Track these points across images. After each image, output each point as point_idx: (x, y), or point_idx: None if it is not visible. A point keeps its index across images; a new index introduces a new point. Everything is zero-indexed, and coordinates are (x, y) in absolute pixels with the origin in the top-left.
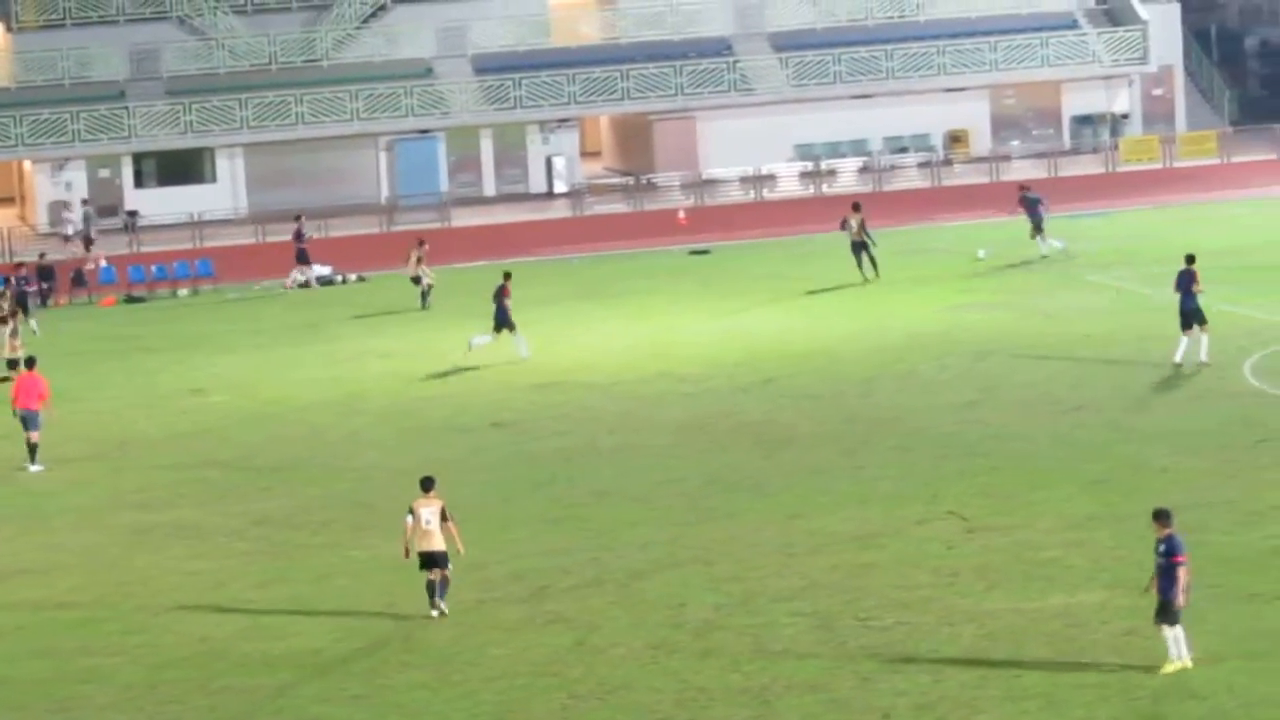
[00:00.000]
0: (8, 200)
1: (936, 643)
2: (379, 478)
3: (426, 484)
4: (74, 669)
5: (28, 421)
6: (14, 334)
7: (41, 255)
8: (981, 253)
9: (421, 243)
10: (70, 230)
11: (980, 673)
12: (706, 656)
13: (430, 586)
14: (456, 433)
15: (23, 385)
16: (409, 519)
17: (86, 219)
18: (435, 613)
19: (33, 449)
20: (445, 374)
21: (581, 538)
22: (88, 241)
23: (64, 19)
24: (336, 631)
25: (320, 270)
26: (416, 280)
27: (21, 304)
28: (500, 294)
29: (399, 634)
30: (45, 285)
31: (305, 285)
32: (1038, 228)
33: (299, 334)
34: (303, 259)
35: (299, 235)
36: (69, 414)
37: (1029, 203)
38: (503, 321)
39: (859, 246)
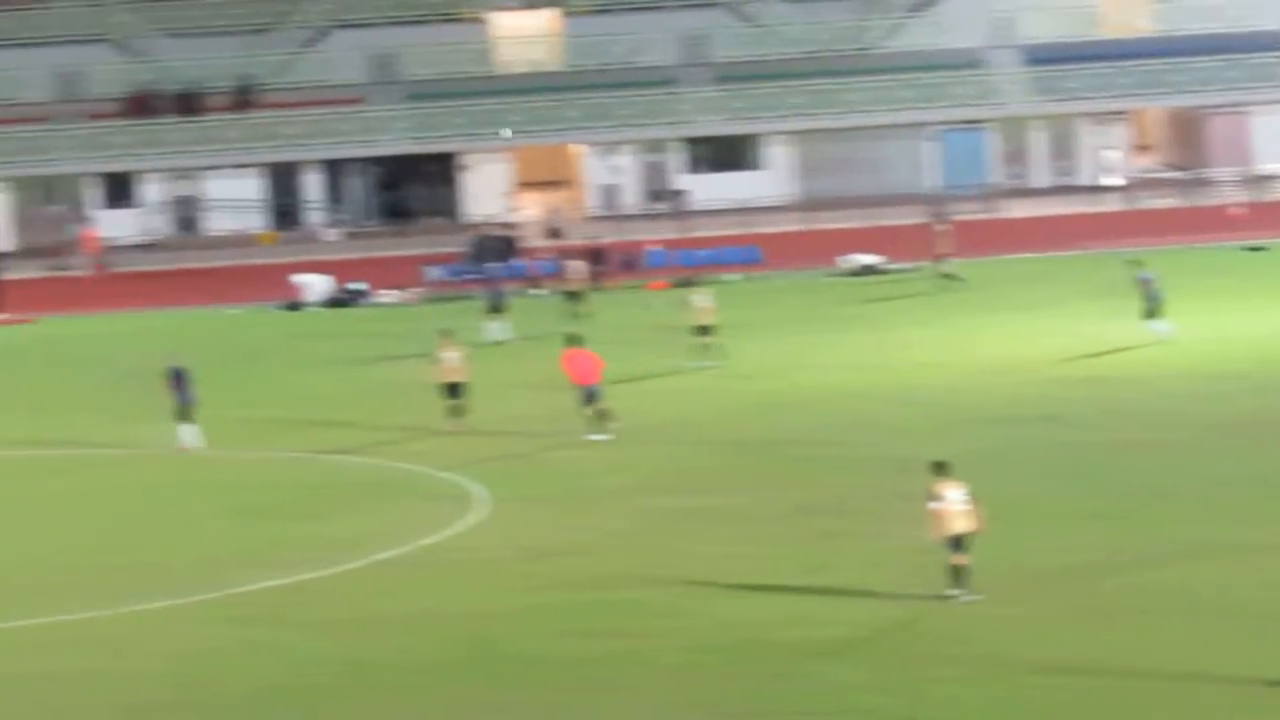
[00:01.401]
0: (558, 183)
1: None
2: (921, 469)
3: (942, 468)
4: (612, 650)
5: (592, 395)
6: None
7: (592, 238)
8: None
9: (943, 228)
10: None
11: None
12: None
13: (954, 571)
14: (1001, 424)
15: (580, 361)
16: (934, 504)
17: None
18: (958, 594)
19: (600, 415)
20: (988, 365)
21: (1128, 534)
22: None
23: (616, 4)
24: (876, 621)
25: (868, 259)
26: (940, 262)
27: (497, 303)
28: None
29: (937, 625)
30: (597, 268)
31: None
32: None
33: (844, 321)
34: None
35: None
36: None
37: None
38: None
39: None
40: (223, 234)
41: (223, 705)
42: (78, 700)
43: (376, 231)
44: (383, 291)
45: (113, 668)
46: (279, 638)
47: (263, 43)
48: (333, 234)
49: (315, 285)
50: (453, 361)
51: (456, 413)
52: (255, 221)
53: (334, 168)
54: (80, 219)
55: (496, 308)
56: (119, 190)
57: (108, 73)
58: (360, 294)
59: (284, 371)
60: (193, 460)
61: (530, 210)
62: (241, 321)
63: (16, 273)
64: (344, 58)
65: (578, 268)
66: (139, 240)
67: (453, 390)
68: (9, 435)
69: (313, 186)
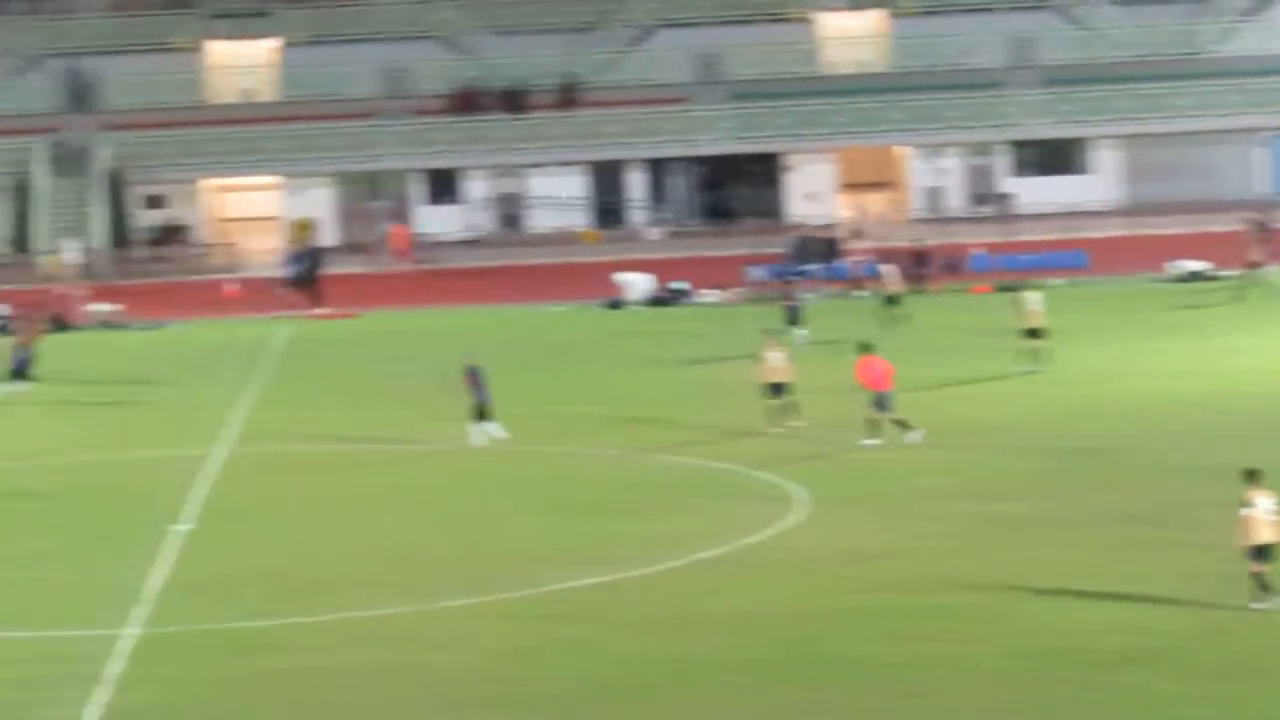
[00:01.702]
0: (880, 185)
1: None
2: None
3: (1254, 476)
4: (930, 654)
5: (882, 402)
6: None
7: (915, 241)
8: None
9: (1261, 235)
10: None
11: None
12: None
13: (1256, 579)
14: None
15: (873, 367)
16: (1246, 511)
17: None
18: (1262, 605)
19: (894, 422)
20: None
21: None
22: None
23: (944, 5)
24: (1194, 629)
25: (1195, 265)
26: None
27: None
28: None
29: (1256, 636)
30: (919, 271)
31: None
32: None
33: (1169, 328)
34: None
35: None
36: (917, 399)
37: None
38: None
39: None
40: (545, 231)
41: (540, 702)
42: (394, 694)
43: (698, 231)
44: (704, 291)
45: (429, 662)
46: (598, 635)
47: (588, 41)
48: (655, 233)
49: (637, 284)
50: (777, 361)
51: (782, 412)
52: (578, 219)
53: (657, 167)
54: (392, 216)
55: (793, 319)
56: (443, 187)
57: (433, 69)
58: (682, 293)
59: (604, 369)
60: (505, 456)
61: (853, 212)
62: (563, 319)
63: (340, 268)
64: (669, 57)
65: (891, 271)
66: (462, 236)
67: (777, 390)
68: (324, 429)
69: (636, 185)
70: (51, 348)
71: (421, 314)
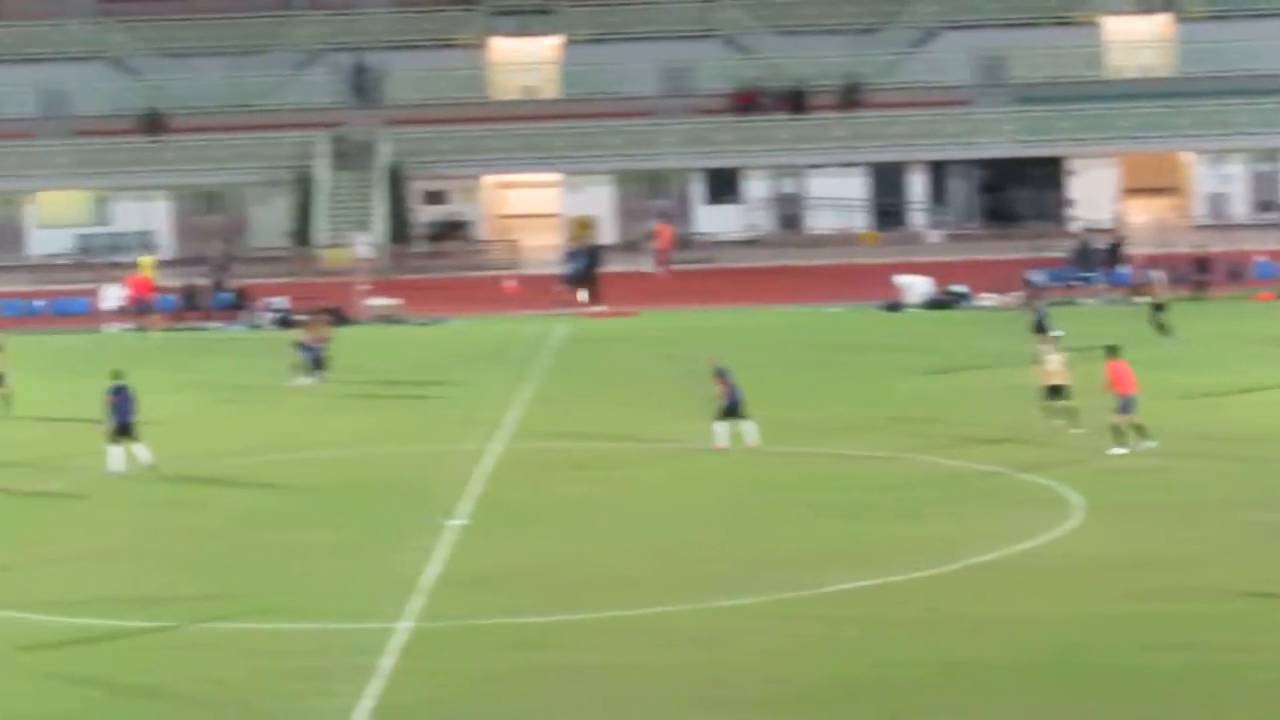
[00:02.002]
0: (1163, 190)
1: None
2: None
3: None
4: (1202, 663)
5: (1127, 405)
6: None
7: (1198, 247)
8: None
9: None
10: None
11: None
12: None
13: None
14: None
15: (1119, 371)
16: None
17: None
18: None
19: (1136, 429)
20: None
21: None
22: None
23: (1232, 10)
24: None
25: None
26: None
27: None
28: None
29: None
30: (1203, 277)
31: None
32: None
33: None
34: None
35: None
36: (1197, 405)
37: None
38: None
39: None
40: (824, 232)
41: (808, 702)
42: (663, 692)
43: (978, 234)
44: (983, 295)
45: (697, 661)
46: (866, 637)
47: (871, 42)
48: (935, 235)
49: (916, 286)
50: (1055, 364)
51: (1060, 415)
52: (858, 220)
53: (938, 169)
54: (660, 215)
55: (1040, 327)
56: (722, 186)
57: (715, 68)
58: (961, 296)
59: (879, 372)
60: (777, 457)
61: (1137, 216)
62: (840, 320)
63: (618, 266)
64: (952, 59)
65: (1160, 278)
66: (741, 236)
67: (1055, 392)
68: (597, 427)
69: (916, 187)
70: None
71: (699, 313)
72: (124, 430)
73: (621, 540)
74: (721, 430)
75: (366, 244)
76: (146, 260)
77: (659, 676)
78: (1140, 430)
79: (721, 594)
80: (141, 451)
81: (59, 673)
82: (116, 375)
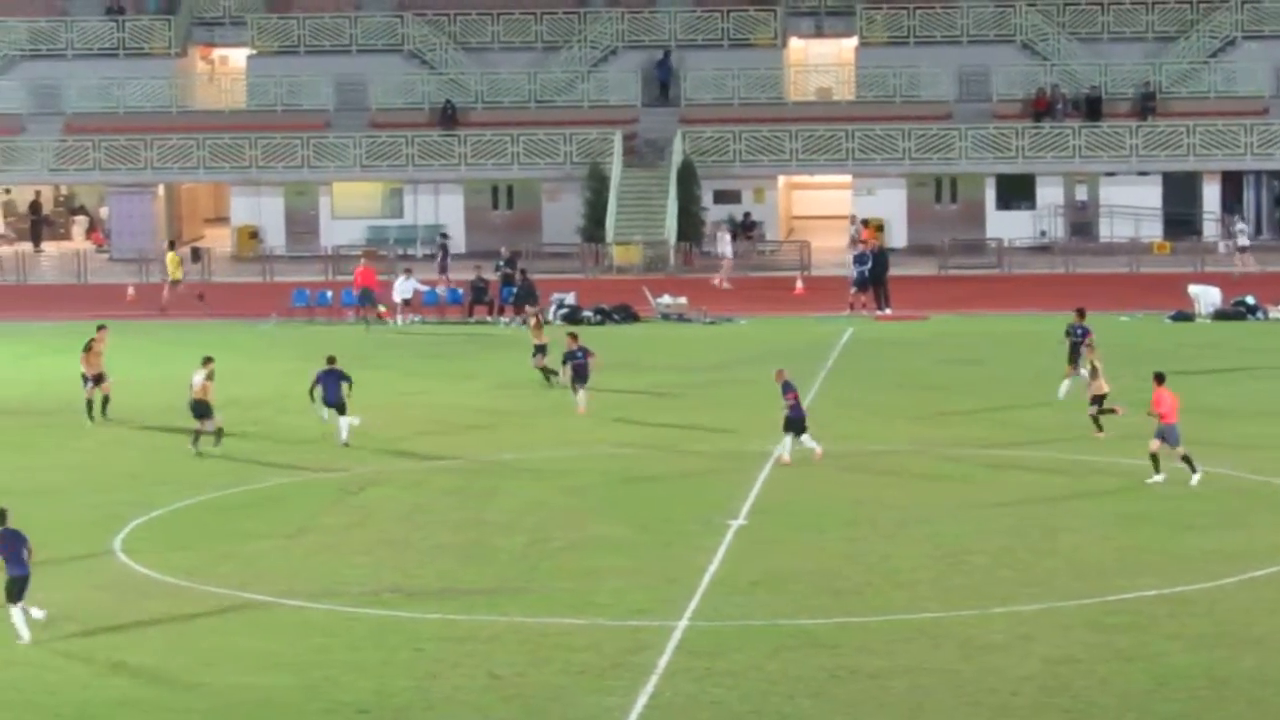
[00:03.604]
0: None
1: None
2: None
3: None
4: None
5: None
6: None
7: None
8: None
9: None
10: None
11: None
12: None
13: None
14: None
15: (1164, 399)
16: None
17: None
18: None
19: (1184, 460)
20: None
21: None
22: None
23: None
24: None
25: None
26: None
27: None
28: None
29: None
30: None
31: None
32: None
33: None
34: None
35: None
36: None
37: None
38: None
39: None
40: (1117, 240)
41: (1083, 712)
42: (941, 698)
43: (1273, 245)
44: (1274, 307)
45: (975, 667)
46: (1145, 648)
47: (1168, 50)
48: (1228, 246)
49: (1207, 297)
50: None
51: None
52: (1151, 230)
53: (1233, 179)
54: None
55: None
56: (1015, 191)
57: (1012, 74)
58: (1252, 309)
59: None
60: (1050, 464)
61: None
62: (1129, 329)
63: (909, 270)
64: (1250, 68)
65: None
66: (1033, 243)
67: None
68: (877, 430)
69: (1210, 197)
70: (618, 339)
71: (988, 319)
72: (337, 408)
73: (902, 544)
74: (787, 444)
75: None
76: (173, 257)
77: (934, 681)
78: (1187, 461)
79: (1006, 599)
80: (344, 425)
81: (337, 661)
82: (331, 360)
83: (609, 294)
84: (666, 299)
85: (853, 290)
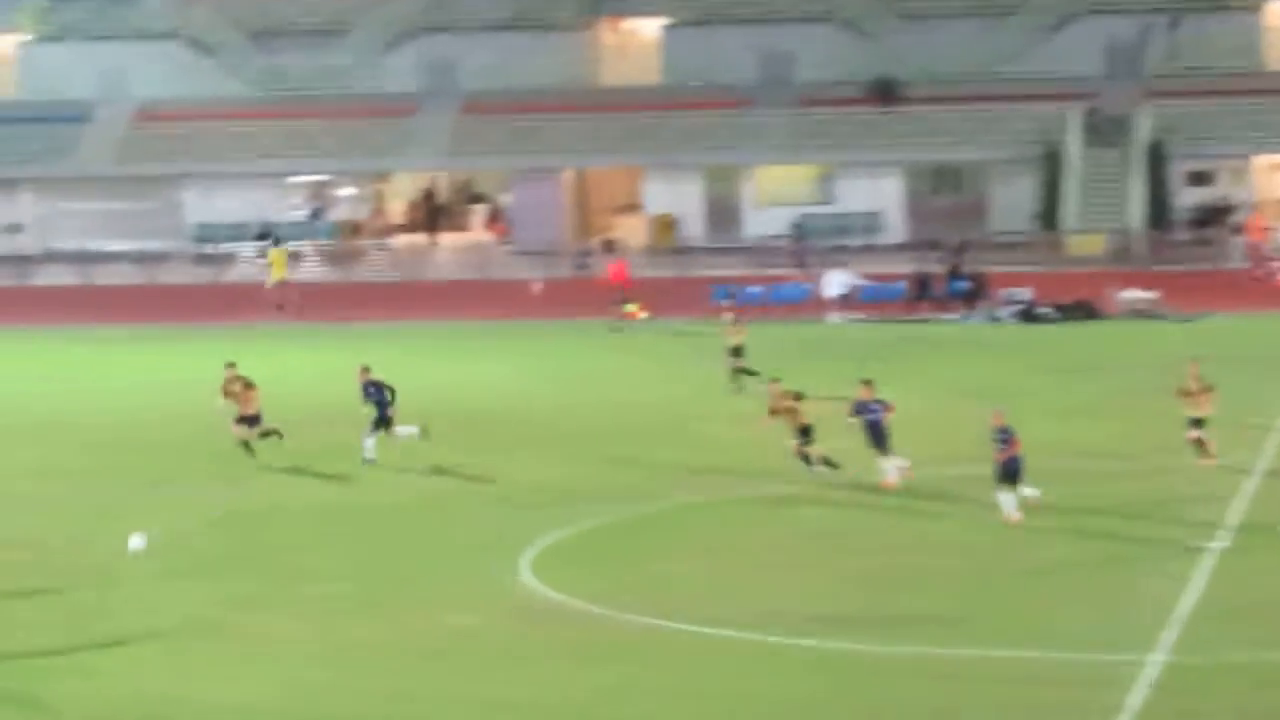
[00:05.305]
0: None
1: None
2: None
3: None
4: None
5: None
6: None
7: None
8: None
9: None
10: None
11: None
12: None
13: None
14: None
15: None
16: None
17: None
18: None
19: None
20: None
21: None
22: None
23: None
24: None
25: None
26: None
27: None
28: None
29: None
30: None
31: None
32: None
33: None
34: None
35: None
36: None
37: None
38: None
39: None
40: None
41: None
42: None
43: None
44: None
45: None
46: None
47: None
48: None
49: None
50: None
51: None
52: None
53: None
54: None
55: None
56: None
57: None
58: None
59: None
60: None
61: None
62: None
63: None
64: None
65: None
66: None
67: None
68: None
69: None
70: (1076, 337)
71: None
72: (383, 421)
73: None
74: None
75: None
76: (278, 253)
77: None
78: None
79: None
80: (403, 433)
81: (748, 691)
82: (365, 369)
83: (1067, 288)
84: (1133, 293)
85: None
